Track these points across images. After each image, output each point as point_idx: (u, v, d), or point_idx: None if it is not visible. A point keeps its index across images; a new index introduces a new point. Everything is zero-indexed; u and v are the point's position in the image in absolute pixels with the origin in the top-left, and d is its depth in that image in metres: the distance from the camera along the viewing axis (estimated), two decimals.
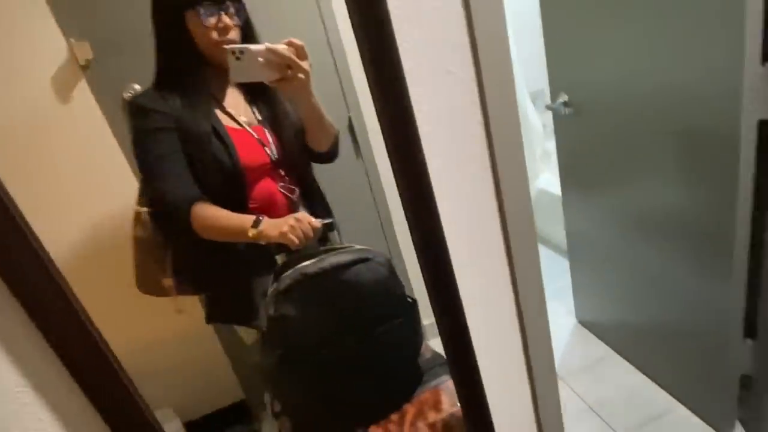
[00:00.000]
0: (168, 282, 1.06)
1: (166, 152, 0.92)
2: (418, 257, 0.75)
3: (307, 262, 0.98)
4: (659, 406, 1.69)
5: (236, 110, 1.00)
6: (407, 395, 1.07)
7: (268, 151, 1.01)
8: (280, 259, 1.04)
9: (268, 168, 1.02)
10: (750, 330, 1.39)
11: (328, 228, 1.11)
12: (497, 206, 0.81)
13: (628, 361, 1.90)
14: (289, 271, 0.98)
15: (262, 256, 1.03)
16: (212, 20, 0.89)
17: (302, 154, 1.06)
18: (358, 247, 1.04)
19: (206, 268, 1.07)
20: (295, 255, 0.99)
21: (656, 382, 1.77)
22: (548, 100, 1.79)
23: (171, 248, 1.06)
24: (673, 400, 1.69)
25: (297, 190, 1.09)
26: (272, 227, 0.93)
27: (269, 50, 0.87)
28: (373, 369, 1.03)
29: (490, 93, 0.73)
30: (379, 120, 0.66)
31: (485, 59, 0.71)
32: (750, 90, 1.08)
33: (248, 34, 0.96)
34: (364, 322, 1.02)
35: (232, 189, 0.97)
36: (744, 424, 1.54)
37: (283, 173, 1.05)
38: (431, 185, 0.71)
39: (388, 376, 1.05)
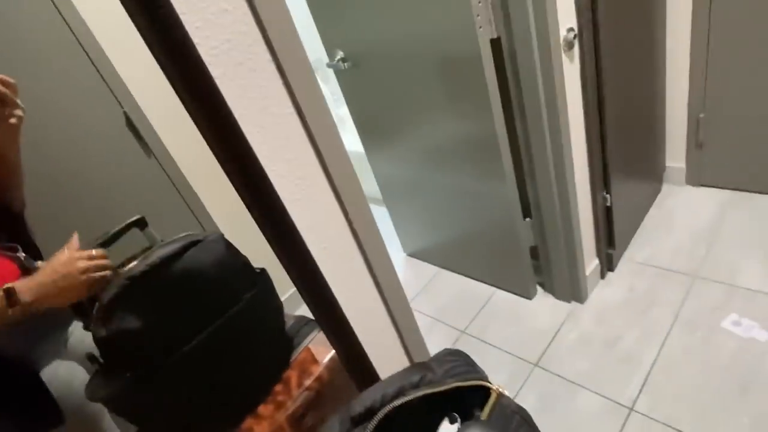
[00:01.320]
0: None
1: None
2: (264, 232, 0.74)
3: (130, 265, 0.86)
4: (483, 296, 2.03)
5: None
6: (284, 364, 1.05)
7: None
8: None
9: None
10: (526, 211, 1.76)
11: (141, 225, 0.98)
12: (324, 172, 0.88)
13: (451, 270, 2.21)
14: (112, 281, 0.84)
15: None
16: None
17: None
18: (184, 234, 0.95)
19: None
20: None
21: (475, 279, 2.11)
22: (327, 61, 1.87)
23: None
24: (491, 287, 2.05)
25: (18, 246, 0.91)
26: (40, 285, 0.77)
27: None
28: (242, 350, 0.98)
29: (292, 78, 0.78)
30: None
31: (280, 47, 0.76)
32: (478, 15, 1.32)
33: None
34: (216, 306, 0.95)
35: None
36: (543, 287, 1.97)
37: None
38: (263, 168, 0.71)
39: (260, 352, 1.02)
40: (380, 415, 0.42)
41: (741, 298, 1.64)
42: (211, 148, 0.68)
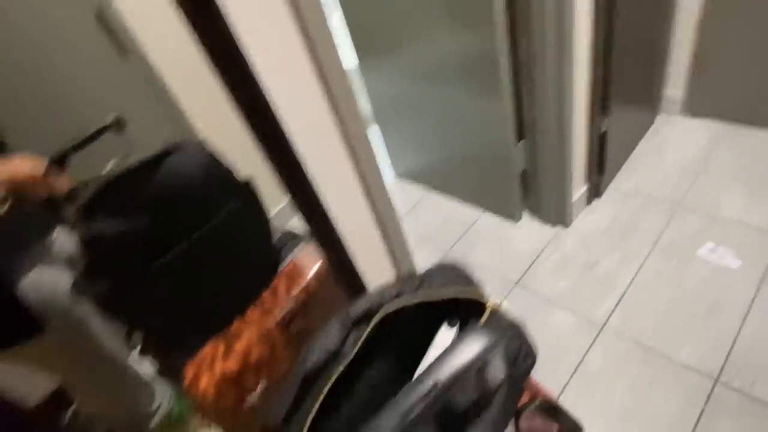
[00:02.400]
0: None
1: None
2: (255, 133, 0.70)
3: (107, 168, 0.82)
4: (470, 219, 2.04)
5: None
6: (272, 273, 1.06)
7: None
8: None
9: None
10: (520, 134, 1.72)
11: (118, 127, 0.93)
12: (318, 77, 0.83)
13: (440, 192, 2.21)
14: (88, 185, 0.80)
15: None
16: None
17: None
18: (166, 142, 0.90)
19: None
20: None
21: (463, 201, 2.12)
22: None
23: None
24: (478, 211, 2.06)
25: None
26: None
27: None
28: (228, 258, 0.97)
29: None
30: None
31: None
32: None
33: None
34: (200, 213, 0.92)
35: None
36: (529, 211, 1.98)
37: None
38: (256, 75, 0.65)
39: (247, 261, 1.01)
40: (378, 317, 0.42)
41: (719, 227, 1.68)
42: (200, 39, 0.63)
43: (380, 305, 0.40)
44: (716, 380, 1.29)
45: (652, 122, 2.24)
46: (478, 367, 0.35)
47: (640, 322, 1.47)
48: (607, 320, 1.51)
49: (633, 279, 1.61)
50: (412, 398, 0.33)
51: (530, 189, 1.89)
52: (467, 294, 0.44)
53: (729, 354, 1.33)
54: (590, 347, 1.45)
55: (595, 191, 1.92)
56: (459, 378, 0.33)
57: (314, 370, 0.37)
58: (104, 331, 1.24)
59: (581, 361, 1.43)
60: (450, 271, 0.50)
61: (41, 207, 0.91)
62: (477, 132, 1.77)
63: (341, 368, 0.39)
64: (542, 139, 1.65)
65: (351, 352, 0.40)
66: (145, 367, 1.35)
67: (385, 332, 0.45)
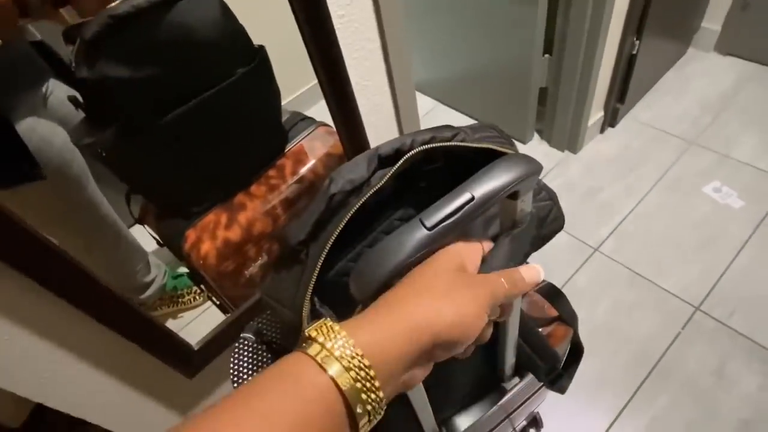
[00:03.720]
0: None
1: None
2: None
3: (115, 3, 0.74)
4: None
5: None
6: (279, 151, 1.02)
7: None
8: None
9: None
10: (548, 47, 1.63)
11: None
12: None
13: (450, 106, 2.13)
14: (94, 18, 0.73)
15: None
16: None
17: None
18: None
19: None
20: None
21: (472, 117, 2.05)
22: None
23: None
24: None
25: None
26: None
27: None
28: (235, 126, 0.93)
29: None
30: None
31: None
32: None
33: None
34: (209, 72, 0.87)
35: None
36: (540, 134, 1.93)
37: None
38: None
39: (254, 133, 0.98)
40: (409, 155, 0.39)
41: (729, 167, 1.66)
42: None
43: (411, 146, 0.38)
44: (697, 308, 1.34)
45: (682, 54, 2.13)
46: (510, 191, 0.33)
47: (633, 250, 1.50)
48: (601, 244, 1.53)
49: (633, 209, 1.61)
50: (447, 208, 0.31)
51: (546, 110, 1.83)
52: (505, 149, 0.41)
53: (714, 286, 1.37)
54: (581, 266, 1.49)
55: (611, 119, 1.87)
56: (494, 195, 0.32)
57: (339, 198, 0.35)
58: (101, 194, 1.22)
59: (570, 277, 1.47)
60: (487, 130, 0.47)
61: (32, 51, 0.85)
62: (504, 40, 1.66)
63: (363, 199, 0.37)
64: (570, 53, 1.56)
65: (377, 185, 0.38)
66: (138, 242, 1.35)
67: (414, 175, 0.43)
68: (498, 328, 0.53)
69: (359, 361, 0.26)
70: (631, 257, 1.48)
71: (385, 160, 0.41)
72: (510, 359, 0.59)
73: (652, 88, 2.02)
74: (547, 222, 0.43)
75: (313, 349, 0.26)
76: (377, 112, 1.02)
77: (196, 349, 0.85)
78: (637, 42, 1.62)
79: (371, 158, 0.40)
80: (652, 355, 1.27)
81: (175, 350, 0.82)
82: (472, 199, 0.31)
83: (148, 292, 1.47)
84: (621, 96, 1.80)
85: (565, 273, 1.47)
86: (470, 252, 0.33)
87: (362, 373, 0.25)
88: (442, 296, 0.29)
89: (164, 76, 0.82)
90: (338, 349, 0.26)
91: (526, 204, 0.37)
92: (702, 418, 1.15)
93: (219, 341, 0.89)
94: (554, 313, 0.67)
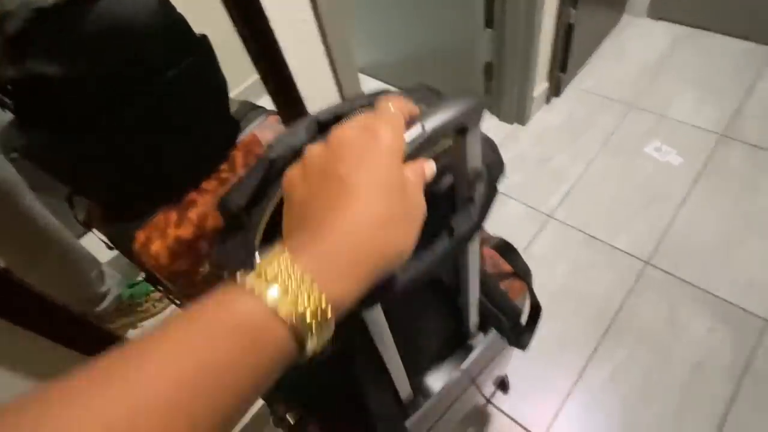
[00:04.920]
0: None
1: None
2: None
3: None
4: None
5: None
6: (230, 144, 0.99)
7: None
8: None
9: None
10: (489, 22, 1.64)
11: None
12: None
13: (398, 87, 2.12)
14: (13, 7, 0.68)
15: None
16: None
17: None
18: None
19: None
20: None
21: None
22: None
23: None
24: None
25: None
26: None
27: None
28: (181, 121, 0.89)
29: None
30: None
31: None
32: None
33: None
34: (148, 65, 0.83)
35: None
36: (489, 108, 1.96)
37: None
38: None
39: (202, 126, 0.94)
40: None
41: (667, 127, 1.75)
42: None
43: (351, 111, 0.37)
44: (647, 262, 1.41)
45: (617, 22, 2.20)
46: (458, 127, 0.33)
47: (584, 213, 1.56)
48: (554, 211, 1.58)
49: (582, 174, 1.67)
50: None
51: (492, 85, 1.85)
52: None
53: (661, 240, 1.45)
54: (537, 234, 1.53)
55: (555, 89, 1.92)
56: (444, 126, 0.31)
57: (278, 163, 0.34)
58: (39, 205, 1.15)
59: (527, 245, 1.51)
60: (419, 92, 0.47)
61: None
62: (445, 15, 1.67)
63: None
64: (511, 26, 1.59)
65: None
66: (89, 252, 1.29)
67: None
68: (460, 285, 0.55)
69: (298, 276, 0.23)
70: (583, 220, 1.54)
71: (325, 125, 0.40)
72: (474, 316, 0.60)
73: (592, 55, 2.08)
74: (492, 168, 0.43)
75: (246, 280, 0.24)
76: (321, 99, 1.01)
77: None
78: (574, 11, 1.66)
79: (309, 124, 0.39)
80: (608, 311, 1.33)
81: None
82: (423, 129, 0.30)
83: (104, 304, 1.41)
84: (563, 66, 1.85)
85: (522, 241, 1.52)
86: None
87: (310, 303, 0.23)
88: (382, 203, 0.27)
89: (100, 70, 0.77)
90: (272, 271, 0.24)
91: (474, 140, 0.36)
92: (658, 365, 1.22)
93: None
94: (508, 268, 0.69)
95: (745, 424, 1.11)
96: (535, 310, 0.65)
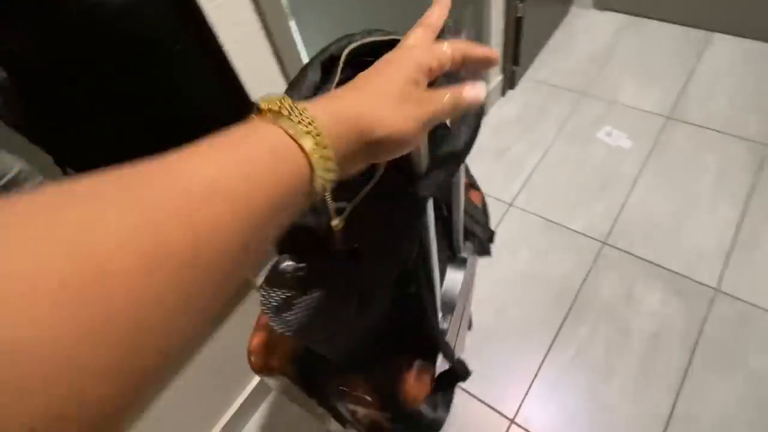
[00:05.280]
0: None
1: None
2: None
3: None
4: None
5: None
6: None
7: None
8: None
9: None
10: None
11: None
12: None
13: None
14: None
15: None
16: None
17: None
18: None
19: None
20: None
21: None
22: None
23: None
24: None
25: None
26: None
27: None
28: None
29: None
30: None
31: None
32: None
33: None
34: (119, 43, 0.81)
35: None
36: None
37: None
38: None
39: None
40: (347, 51, 0.43)
41: (617, 112, 1.82)
42: None
43: (340, 49, 0.42)
44: (604, 243, 1.47)
45: (565, 14, 2.28)
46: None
47: (543, 199, 1.61)
48: (514, 199, 1.63)
49: (539, 162, 1.72)
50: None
51: None
52: None
53: (616, 220, 1.51)
54: (499, 223, 1.57)
55: (510, 82, 1.97)
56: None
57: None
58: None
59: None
60: (377, 33, 0.51)
61: None
62: (394, 11, 1.69)
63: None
64: (460, 24, 1.62)
65: (335, 82, 0.42)
66: None
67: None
68: (452, 201, 0.62)
69: (316, 128, 0.25)
70: (542, 206, 1.59)
71: (328, 62, 0.46)
72: (461, 228, 0.68)
73: (543, 48, 2.14)
74: None
75: (267, 115, 0.26)
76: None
77: None
78: (521, 4, 1.71)
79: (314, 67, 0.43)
80: (570, 291, 1.38)
81: None
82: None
83: None
84: (515, 58, 1.90)
85: None
86: (429, 60, 0.33)
87: (318, 138, 0.25)
88: (391, 107, 0.30)
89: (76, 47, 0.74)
90: (295, 116, 0.25)
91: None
92: (618, 339, 1.27)
93: None
94: (466, 180, 0.74)
95: (700, 388, 1.17)
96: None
